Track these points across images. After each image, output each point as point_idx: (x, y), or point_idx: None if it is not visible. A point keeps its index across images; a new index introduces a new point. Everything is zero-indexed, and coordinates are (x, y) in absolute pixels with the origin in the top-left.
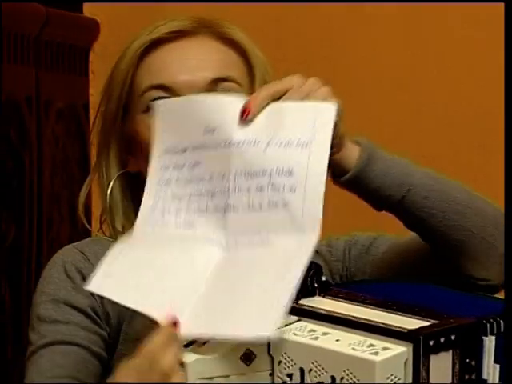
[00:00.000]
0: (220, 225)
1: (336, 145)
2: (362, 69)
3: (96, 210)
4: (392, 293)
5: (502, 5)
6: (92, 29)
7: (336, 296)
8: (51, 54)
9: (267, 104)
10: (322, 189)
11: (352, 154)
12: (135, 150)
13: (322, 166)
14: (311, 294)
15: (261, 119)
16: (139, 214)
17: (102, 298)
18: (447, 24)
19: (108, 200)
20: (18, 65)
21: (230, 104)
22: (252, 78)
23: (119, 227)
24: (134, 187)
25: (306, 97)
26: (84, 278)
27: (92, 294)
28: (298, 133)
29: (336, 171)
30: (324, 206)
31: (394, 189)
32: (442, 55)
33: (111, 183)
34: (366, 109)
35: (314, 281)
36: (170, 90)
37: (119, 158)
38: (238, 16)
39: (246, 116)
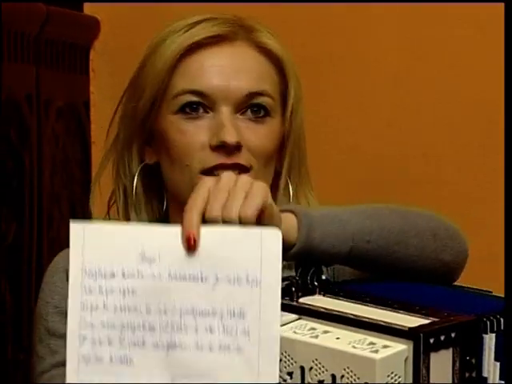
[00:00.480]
0: (163, 364)
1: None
2: (361, 69)
3: (97, 209)
4: (392, 292)
5: (502, 5)
6: (92, 27)
7: (336, 294)
8: (51, 53)
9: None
10: (278, 332)
11: (288, 226)
12: (156, 144)
13: (275, 308)
14: (311, 293)
15: (204, 249)
16: (67, 342)
17: None
18: (447, 24)
19: (134, 192)
20: (18, 63)
21: (168, 234)
22: (284, 88)
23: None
24: (152, 179)
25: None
26: None
27: None
28: (246, 267)
29: None
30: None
31: (339, 246)
32: (441, 55)
33: (136, 176)
34: (366, 109)
35: (314, 279)
36: (204, 96)
37: (140, 152)
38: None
39: (192, 245)
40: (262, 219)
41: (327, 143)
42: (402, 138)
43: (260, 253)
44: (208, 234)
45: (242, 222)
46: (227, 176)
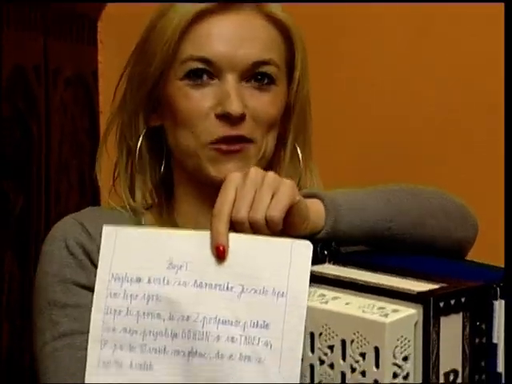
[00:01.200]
0: (183, 371)
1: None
2: (361, 72)
3: (105, 179)
4: (403, 261)
5: (502, 5)
6: None
7: (345, 263)
8: (60, 23)
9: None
10: (300, 348)
11: (315, 214)
12: (162, 110)
13: (300, 320)
14: (321, 262)
15: (232, 257)
16: (88, 348)
17: None
18: (447, 24)
19: (138, 153)
20: (26, 33)
21: (198, 240)
22: (291, 58)
23: (139, 194)
24: (156, 142)
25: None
26: (85, 251)
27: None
28: (273, 279)
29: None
30: None
31: (362, 235)
32: (441, 55)
33: (141, 137)
34: (367, 112)
35: (323, 249)
36: (210, 64)
37: (146, 117)
38: None
39: (221, 254)
40: (289, 215)
41: (331, 118)
42: (405, 140)
43: (289, 265)
44: (237, 242)
45: (268, 223)
46: (254, 172)
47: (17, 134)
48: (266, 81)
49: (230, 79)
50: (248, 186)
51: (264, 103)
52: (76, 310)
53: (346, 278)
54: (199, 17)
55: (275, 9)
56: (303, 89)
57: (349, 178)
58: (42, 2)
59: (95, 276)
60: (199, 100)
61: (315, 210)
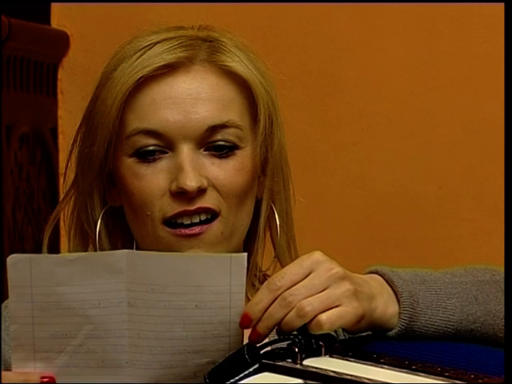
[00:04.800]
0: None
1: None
2: (364, 81)
3: (65, 246)
4: (406, 349)
5: (501, 5)
6: (61, 42)
7: (345, 354)
8: (14, 71)
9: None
10: None
11: (389, 311)
12: (118, 187)
13: None
14: (317, 354)
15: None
16: None
17: None
18: (446, 24)
19: (97, 242)
20: None
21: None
22: (255, 111)
23: None
24: (117, 221)
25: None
26: None
27: None
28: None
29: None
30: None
31: (439, 334)
32: (440, 55)
33: (98, 222)
34: (369, 122)
35: (318, 338)
36: (159, 136)
37: (103, 196)
38: (234, 31)
39: (246, 322)
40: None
41: (331, 175)
42: (415, 170)
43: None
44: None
45: (311, 325)
46: (336, 270)
47: None
48: (225, 150)
49: (185, 149)
50: (323, 278)
51: (227, 172)
52: None
53: (349, 375)
54: (141, 83)
55: (230, 59)
56: (273, 143)
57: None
58: None
59: None
60: (152, 179)
61: (389, 306)
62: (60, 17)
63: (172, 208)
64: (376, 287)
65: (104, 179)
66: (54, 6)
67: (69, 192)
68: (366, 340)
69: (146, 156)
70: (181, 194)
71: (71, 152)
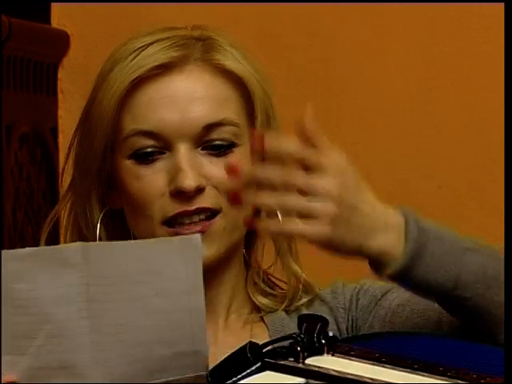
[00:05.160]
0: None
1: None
2: (364, 81)
3: None
4: (408, 348)
5: (501, 5)
6: (61, 42)
7: (347, 354)
8: (14, 71)
9: None
10: None
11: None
12: (118, 189)
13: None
14: (319, 352)
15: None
16: None
17: None
18: (446, 24)
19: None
20: None
21: None
22: (251, 108)
23: None
24: (117, 224)
25: None
26: None
27: None
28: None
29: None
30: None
31: (443, 284)
32: (441, 55)
33: (98, 226)
34: (369, 122)
35: (320, 337)
36: (156, 136)
37: (101, 199)
38: (234, 31)
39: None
40: None
41: None
42: (415, 170)
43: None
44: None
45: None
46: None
47: None
48: (222, 149)
49: (182, 149)
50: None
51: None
52: None
53: (351, 374)
54: (137, 83)
55: (224, 57)
56: None
57: None
58: None
59: None
60: (151, 179)
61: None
62: (60, 16)
63: (172, 208)
64: (384, 225)
65: (102, 182)
66: (54, 6)
67: (66, 195)
68: (369, 339)
69: (144, 157)
70: (180, 194)
71: (68, 155)
